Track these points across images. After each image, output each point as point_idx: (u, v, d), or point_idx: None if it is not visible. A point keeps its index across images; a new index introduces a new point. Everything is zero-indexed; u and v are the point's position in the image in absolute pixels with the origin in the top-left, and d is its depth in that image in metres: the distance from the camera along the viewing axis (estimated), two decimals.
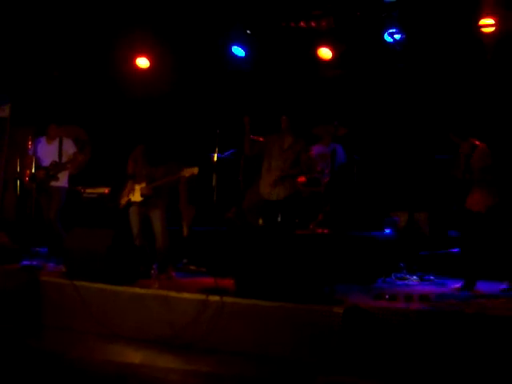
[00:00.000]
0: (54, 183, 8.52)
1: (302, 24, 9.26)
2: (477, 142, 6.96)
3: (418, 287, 7.24)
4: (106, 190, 9.46)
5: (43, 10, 9.36)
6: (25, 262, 7.99)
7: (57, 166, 8.50)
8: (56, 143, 8.59)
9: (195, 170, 7.28)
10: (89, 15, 9.43)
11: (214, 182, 7.51)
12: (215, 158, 7.68)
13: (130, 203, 7.68)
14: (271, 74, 9.99)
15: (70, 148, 8.62)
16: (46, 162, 8.54)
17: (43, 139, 8.67)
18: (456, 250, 7.79)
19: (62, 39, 9.78)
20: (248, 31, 9.67)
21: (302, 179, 8.27)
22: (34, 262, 7.98)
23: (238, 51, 9.83)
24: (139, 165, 7.74)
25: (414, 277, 7.60)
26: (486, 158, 6.90)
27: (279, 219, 7.76)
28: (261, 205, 7.96)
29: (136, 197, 7.64)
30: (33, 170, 8.39)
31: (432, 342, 5.47)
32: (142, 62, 10.21)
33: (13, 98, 9.67)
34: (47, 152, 8.59)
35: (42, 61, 10.03)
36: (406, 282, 7.51)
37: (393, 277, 7.63)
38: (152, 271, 7.28)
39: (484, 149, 6.95)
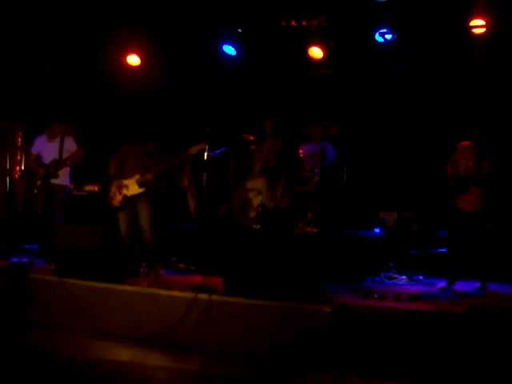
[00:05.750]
0: (54, 181, 8.45)
1: (293, 23, 9.27)
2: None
3: (407, 287, 7.26)
4: (96, 188, 9.45)
5: (35, 7, 9.32)
6: (14, 259, 7.97)
7: (57, 164, 8.45)
8: (57, 141, 8.54)
9: (202, 145, 7.12)
10: (80, 12, 9.40)
11: (204, 180, 7.50)
12: (205, 156, 7.67)
13: (127, 199, 7.55)
14: (262, 72, 9.99)
15: (71, 146, 8.55)
16: (47, 159, 8.50)
17: (44, 137, 8.60)
18: (445, 249, 7.83)
19: (53, 36, 9.75)
20: (239, 30, 9.67)
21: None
22: (23, 259, 7.96)
23: (229, 50, 9.84)
24: (131, 161, 7.64)
25: (403, 276, 7.63)
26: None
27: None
28: (262, 211, 7.94)
29: (133, 190, 7.52)
30: (31, 167, 8.39)
31: (420, 341, 5.50)
32: (133, 60, 10.20)
33: (2, 93, 9.63)
34: (48, 150, 8.53)
35: (33, 57, 10.00)
36: (395, 281, 7.53)
37: (382, 276, 7.66)
38: (141, 269, 7.27)
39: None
